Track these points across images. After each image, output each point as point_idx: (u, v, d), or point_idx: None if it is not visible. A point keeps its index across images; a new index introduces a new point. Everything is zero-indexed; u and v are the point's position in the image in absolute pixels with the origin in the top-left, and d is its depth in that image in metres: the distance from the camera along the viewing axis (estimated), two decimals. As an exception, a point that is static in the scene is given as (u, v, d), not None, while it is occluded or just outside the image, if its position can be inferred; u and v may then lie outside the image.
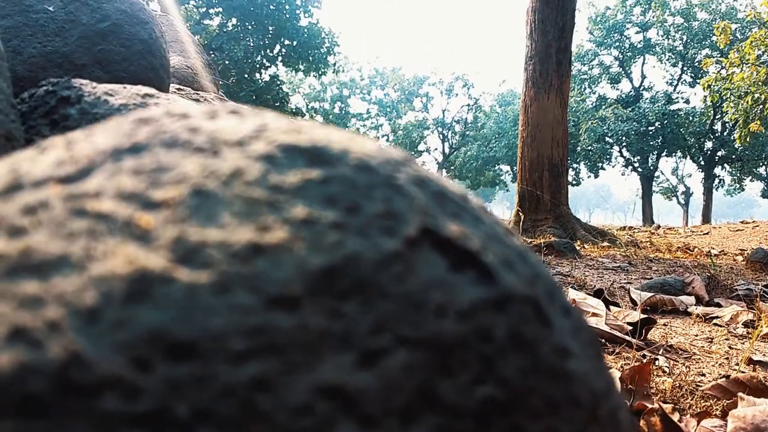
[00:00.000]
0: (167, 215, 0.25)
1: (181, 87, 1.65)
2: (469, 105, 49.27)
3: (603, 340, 1.83)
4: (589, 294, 2.95)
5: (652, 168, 36.62)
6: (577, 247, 7.68)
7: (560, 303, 0.33)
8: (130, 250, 0.24)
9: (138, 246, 0.24)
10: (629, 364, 1.69)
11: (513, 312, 0.28)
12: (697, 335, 2.17)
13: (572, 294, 2.17)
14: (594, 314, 1.93)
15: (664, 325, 2.32)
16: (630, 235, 12.51)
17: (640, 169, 36.42)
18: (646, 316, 1.96)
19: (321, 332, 0.23)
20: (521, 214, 10.14)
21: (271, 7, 26.25)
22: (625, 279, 3.66)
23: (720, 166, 34.98)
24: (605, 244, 8.14)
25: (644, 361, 1.72)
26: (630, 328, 1.89)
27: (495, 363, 0.26)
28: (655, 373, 1.62)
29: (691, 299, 2.75)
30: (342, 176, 0.30)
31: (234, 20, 27.40)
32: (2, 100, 0.57)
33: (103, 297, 0.22)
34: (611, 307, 2.10)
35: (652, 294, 2.61)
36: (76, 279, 0.22)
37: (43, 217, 0.24)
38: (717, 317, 2.48)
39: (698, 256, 6.81)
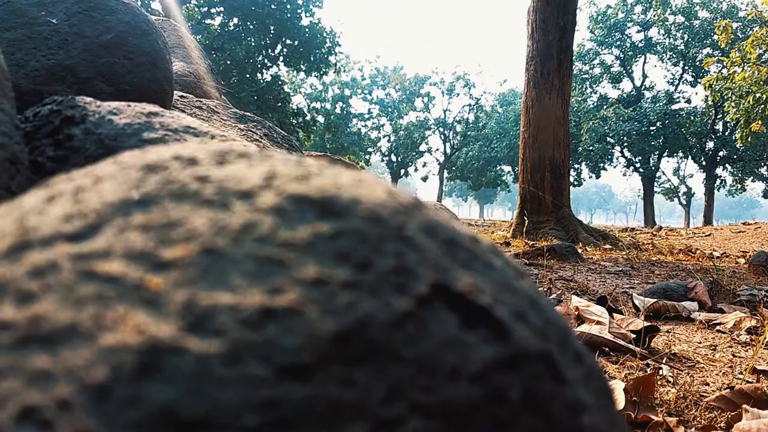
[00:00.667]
0: (177, 277, 0.25)
1: (184, 95, 1.64)
2: (470, 105, 49.27)
3: (607, 349, 1.83)
4: (592, 300, 2.95)
5: (653, 168, 36.59)
6: (579, 250, 7.67)
7: (572, 349, 0.33)
8: (139, 317, 0.23)
9: (148, 312, 0.23)
10: (633, 374, 1.69)
11: (527, 371, 0.27)
12: (700, 342, 2.16)
13: (575, 301, 2.17)
14: (598, 322, 1.93)
15: (668, 332, 2.31)
16: (632, 237, 12.49)
17: (641, 170, 36.40)
18: (649, 324, 1.96)
19: (333, 403, 0.22)
20: (523, 216, 10.13)
21: (273, 6, 26.24)
22: (627, 283, 3.65)
23: (722, 167, 34.95)
24: (607, 246, 8.13)
25: (648, 371, 1.72)
26: (633, 336, 1.89)
27: (508, 426, 0.25)
28: (659, 383, 1.62)
29: (694, 305, 2.74)
30: (352, 229, 0.30)
31: (235, 20, 27.40)
32: (6, 122, 0.57)
33: (113, 372, 0.21)
34: (615, 315, 2.09)
35: (655, 300, 2.60)
36: (86, 351, 0.22)
37: (52, 281, 0.24)
38: (720, 323, 2.48)
39: (700, 259, 6.80)
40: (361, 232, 0.30)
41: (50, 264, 0.25)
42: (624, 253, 7.23)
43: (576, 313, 2.05)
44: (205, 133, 0.63)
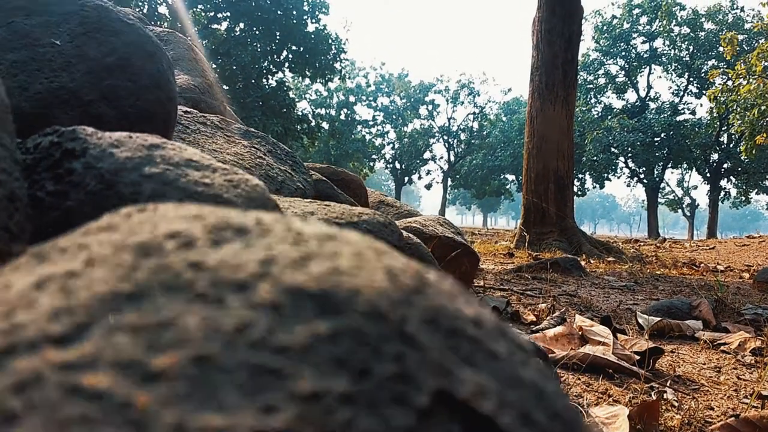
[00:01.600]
0: (166, 392, 0.24)
1: (189, 110, 1.63)
2: (474, 113, 49.34)
3: (611, 371, 1.81)
4: (596, 318, 2.93)
5: (657, 179, 36.56)
6: (583, 263, 7.64)
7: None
8: (125, 444, 0.22)
9: (134, 437, 0.22)
10: (637, 397, 1.67)
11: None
12: (704, 364, 2.14)
13: (579, 320, 2.15)
14: (602, 343, 1.91)
15: (672, 351, 2.29)
16: (636, 249, 12.46)
17: (645, 181, 36.37)
18: (653, 345, 1.94)
19: None
20: (527, 227, 10.11)
21: (279, 12, 26.33)
22: (631, 300, 3.63)
23: (726, 179, 34.92)
24: (611, 259, 8.10)
25: (652, 394, 1.70)
26: (638, 357, 1.87)
27: None
28: (663, 407, 1.60)
29: (698, 324, 2.72)
30: (351, 329, 0.29)
31: (241, 25, 27.50)
32: (6, 158, 0.56)
33: None
34: (619, 335, 2.07)
35: (660, 318, 2.58)
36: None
37: (37, 398, 0.23)
38: (725, 344, 2.46)
39: (704, 273, 6.77)
40: (361, 331, 0.29)
41: (35, 376, 0.23)
42: (628, 266, 7.21)
43: (580, 332, 2.03)
44: (207, 166, 0.62)
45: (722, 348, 2.41)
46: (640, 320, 2.61)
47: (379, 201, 3.76)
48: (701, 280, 5.32)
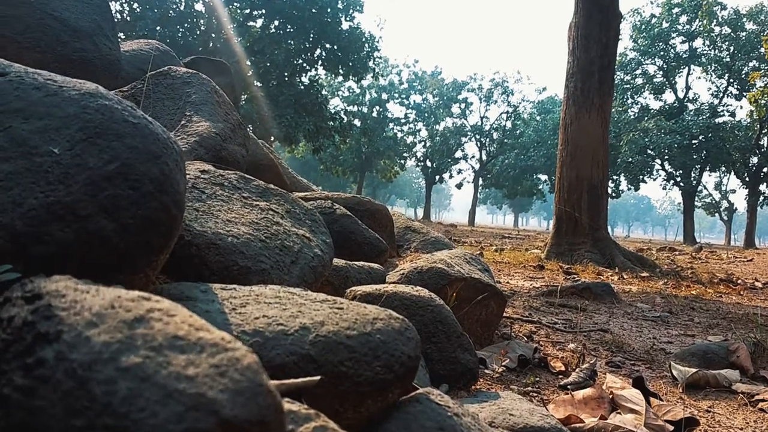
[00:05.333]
0: None
1: (206, 169, 1.59)
2: (508, 112, 48.88)
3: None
4: (628, 360, 2.82)
5: (694, 183, 35.81)
6: (615, 277, 7.48)
7: None
8: None
9: None
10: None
11: None
12: (742, 429, 2.03)
13: (610, 381, 2.05)
14: (633, 410, 1.81)
15: (707, 410, 2.18)
16: (671, 260, 12.19)
17: (682, 184, 35.64)
18: (688, 415, 1.84)
19: None
20: (559, 236, 9.93)
21: (313, 10, 26.36)
22: (665, 336, 3.50)
23: (765, 183, 34.00)
24: (645, 274, 7.91)
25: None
26: (672, 428, 1.77)
27: None
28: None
29: (736, 373, 2.60)
30: None
31: (276, 23, 27.61)
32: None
33: None
34: (651, 399, 1.97)
35: (695, 371, 2.47)
36: None
37: None
38: (763, 400, 2.34)
39: (742, 292, 6.56)
40: None
41: None
42: (662, 283, 7.02)
43: (610, 395, 1.94)
44: (194, 344, 0.56)
45: (760, 405, 2.29)
46: (674, 372, 2.50)
47: (406, 227, 3.69)
48: (739, 306, 5.14)
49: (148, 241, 0.91)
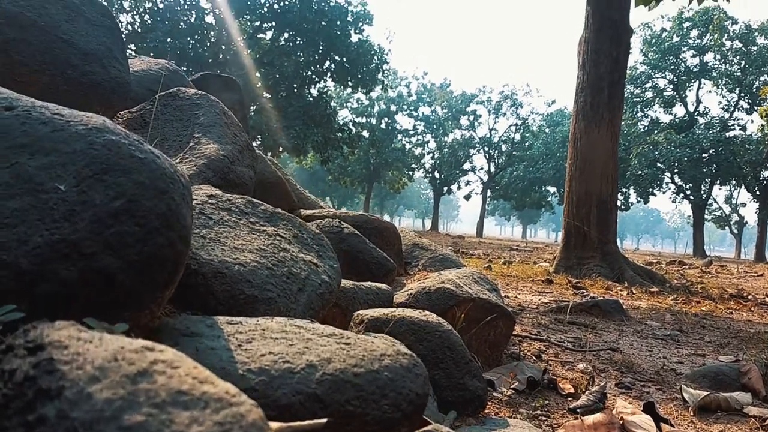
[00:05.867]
0: None
1: (213, 193, 1.58)
2: (516, 125, 48.87)
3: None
4: (638, 381, 2.79)
5: (704, 196, 35.61)
6: (624, 292, 7.43)
7: None
8: None
9: None
10: None
11: None
12: (755, 456, 2.00)
13: (620, 406, 2.03)
14: (643, 438, 1.79)
15: (720, 437, 2.15)
16: (680, 274, 12.09)
17: (692, 197, 35.43)
18: (700, 444, 1.81)
19: None
20: (566, 250, 9.88)
21: (323, 23, 26.50)
22: (676, 356, 3.46)
23: (776, 197, 33.78)
24: (654, 289, 7.84)
25: None
26: (682, 457, 1.74)
27: None
28: None
29: (747, 396, 2.57)
30: None
31: (286, 35, 27.76)
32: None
33: None
34: (662, 425, 1.95)
35: (706, 393, 2.43)
36: None
37: None
38: (776, 425, 2.30)
39: (753, 308, 6.50)
40: None
41: None
42: (672, 298, 6.96)
43: (621, 421, 1.91)
44: (198, 399, 0.55)
45: (773, 430, 2.26)
46: (685, 395, 2.46)
47: (414, 244, 3.67)
48: (750, 323, 5.09)
49: (154, 278, 0.90)
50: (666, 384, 2.81)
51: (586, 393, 2.30)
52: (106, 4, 1.95)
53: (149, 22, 25.00)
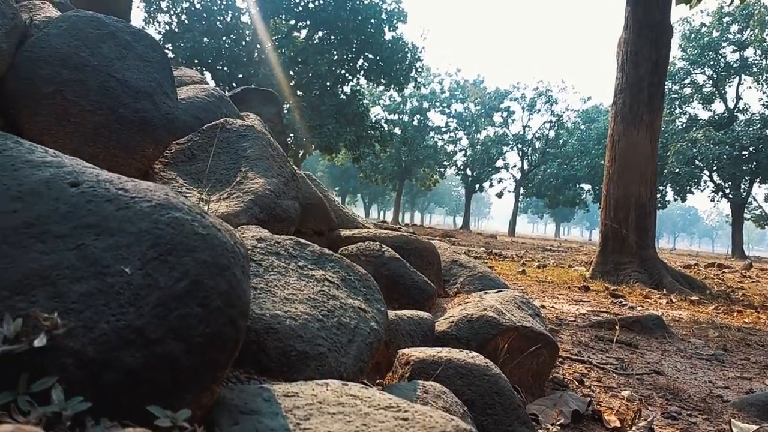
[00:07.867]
0: None
1: (262, 236, 1.58)
2: (551, 121, 48.30)
3: None
4: (684, 410, 2.73)
5: (744, 194, 34.78)
6: (663, 300, 7.29)
7: None
8: None
9: None
10: None
11: None
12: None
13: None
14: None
15: (772, 478, 2.09)
16: (720, 279, 11.82)
17: (731, 196, 34.63)
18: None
19: None
20: (603, 255, 9.74)
21: (357, 21, 26.51)
22: (721, 378, 3.39)
23: (818, 196, 32.79)
24: (694, 297, 7.68)
25: None
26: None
27: None
28: None
29: (802, 429, 2.49)
30: None
31: (320, 33, 27.85)
32: None
33: None
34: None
35: (756, 428, 2.37)
36: None
37: None
38: (833, 464, 2.23)
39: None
40: None
41: None
42: (713, 307, 6.82)
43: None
44: None
45: (830, 472, 2.19)
46: (735, 430, 2.40)
47: (452, 261, 3.65)
48: (798, 338, 4.95)
49: (216, 358, 0.90)
50: (713, 413, 2.74)
51: (634, 429, 2.26)
52: (156, 37, 1.97)
53: (186, 22, 25.33)
